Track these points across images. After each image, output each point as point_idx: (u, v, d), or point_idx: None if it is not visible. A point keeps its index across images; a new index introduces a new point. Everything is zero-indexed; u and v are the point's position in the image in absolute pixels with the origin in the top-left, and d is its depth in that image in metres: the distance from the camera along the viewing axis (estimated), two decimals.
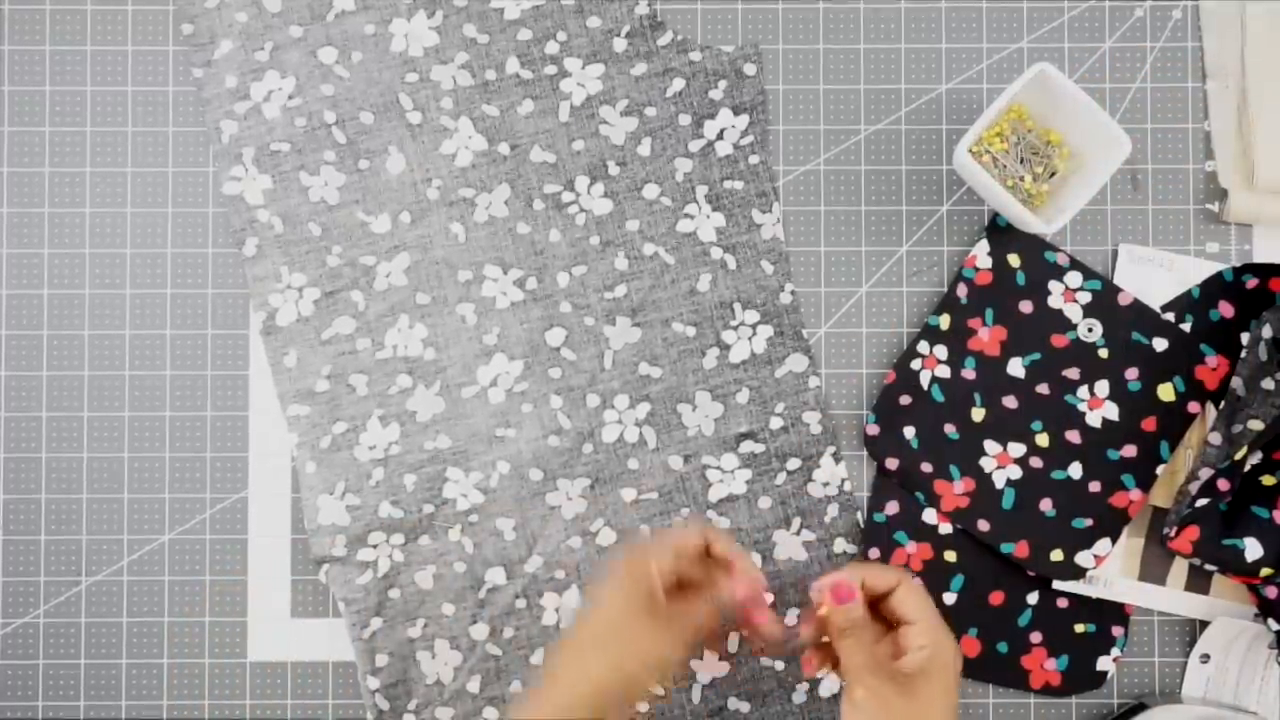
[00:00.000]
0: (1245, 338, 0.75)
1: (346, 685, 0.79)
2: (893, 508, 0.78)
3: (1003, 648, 0.78)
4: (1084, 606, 0.78)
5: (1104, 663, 0.78)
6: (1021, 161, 0.76)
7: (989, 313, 0.78)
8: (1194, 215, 0.80)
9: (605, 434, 0.78)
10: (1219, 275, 0.78)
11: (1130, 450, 0.77)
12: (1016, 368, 0.78)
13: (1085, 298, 0.78)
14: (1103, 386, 0.77)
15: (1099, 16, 0.80)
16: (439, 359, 0.78)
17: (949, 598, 0.78)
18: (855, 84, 0.80)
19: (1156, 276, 0.79)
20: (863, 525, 0.79)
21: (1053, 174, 0.77)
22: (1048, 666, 0.78)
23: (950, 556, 0.78)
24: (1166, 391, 0.77)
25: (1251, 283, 0.77)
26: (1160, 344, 0.77)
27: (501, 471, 0.78)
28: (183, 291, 0.80)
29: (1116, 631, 0.78)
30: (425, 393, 0.78)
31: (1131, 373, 0.77)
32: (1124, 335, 0.78)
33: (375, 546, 0.77)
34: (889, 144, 0.80)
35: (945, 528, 0.78)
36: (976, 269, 0.79)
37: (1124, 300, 0.78)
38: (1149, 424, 0.77)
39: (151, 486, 0.79)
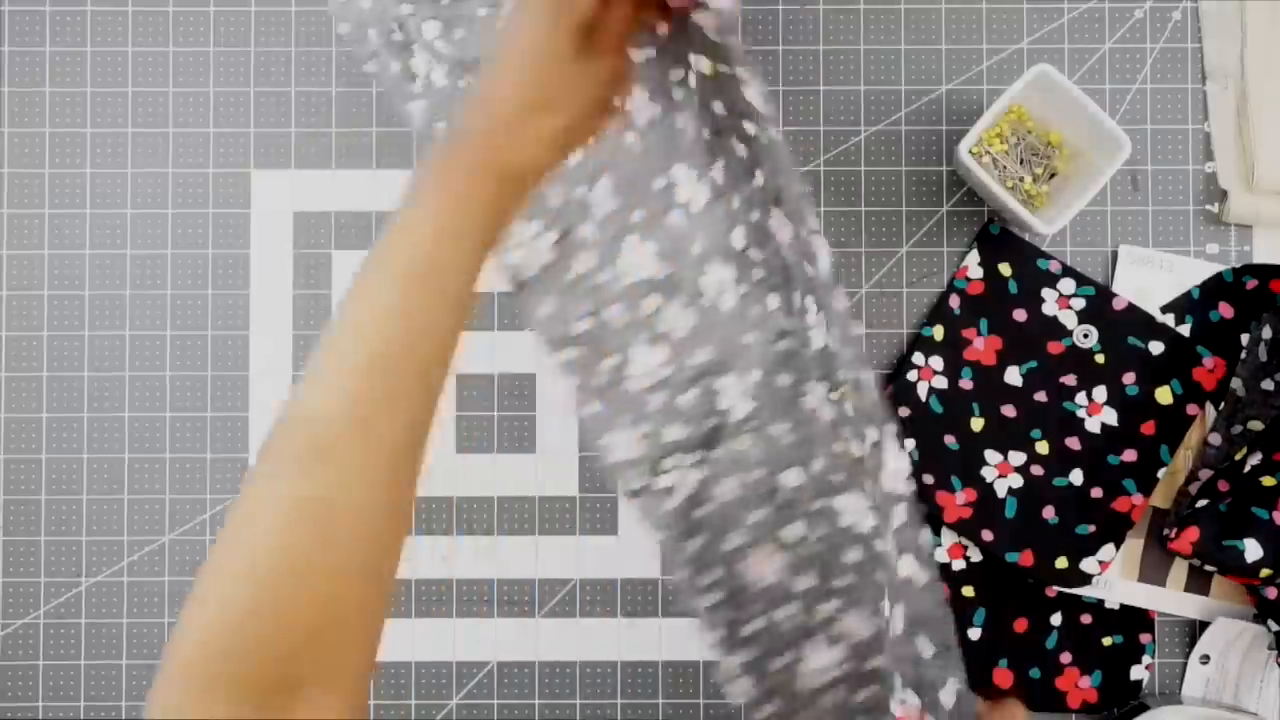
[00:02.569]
0: (1245, 339, 0.75)
1: None
2: None
3: (1035, 673, 0.77)
4: (1108, 619, 0.78)
5: (1137, 671, 0.78)
6: (1022, 162, 0.76)
7: (983, 322, 0.78)
8: (1194, 216, 0.80)
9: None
10: (1219, 276, 0.78)
11: (1130, 455, 0.77)
12: (1014, 376, 0.78)
13: (1079, 304, 0.78)
14: (1100, 392, 0.77)
15: (1099, 17, 0.80)
16: (675, 272, 0.76)
17: (974, 633, 0.77)
18: (855, 84, 0.80)
19: (1156, 277, 0.79)
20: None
21: (1053, 175, 0.77)
22: (1082, 685, 0.78)
23: (968, 591, 0.78)
24: (1164, 395, 0.77)
25: (1251, 284, 0.77)
26: (1156, 347, 0.77)
27: (756, 379, 0.76)
28: (183, 292, 0.80)
29: (1144, 639, 0.78)
30: (676, 308, 0.77)
31: (1129, 377, 0.77)
32: (1120, 340, 0.78)
33: (670, 472, 0.76)
34: (889, 144, 0.80)
35: (958, 564, 0.78)
36: (968, 279, 0.78)
37: (1118, 305, 0.78)
38: (1148, 428, 0.77)
39: (151, 487, 0.79)
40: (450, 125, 0.59)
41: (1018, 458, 0.77)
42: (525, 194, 0.59)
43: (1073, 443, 0.77)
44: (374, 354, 0.53)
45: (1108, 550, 0.76)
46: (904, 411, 0.78)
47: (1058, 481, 0.77)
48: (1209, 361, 0.77)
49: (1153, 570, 0.78)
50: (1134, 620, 0.78)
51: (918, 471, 0.77)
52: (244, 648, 0.49)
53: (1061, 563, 0.76)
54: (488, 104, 0.57)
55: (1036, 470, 0.77)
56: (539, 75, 0.57)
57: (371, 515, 0.52)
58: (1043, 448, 0.77)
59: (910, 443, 0.77)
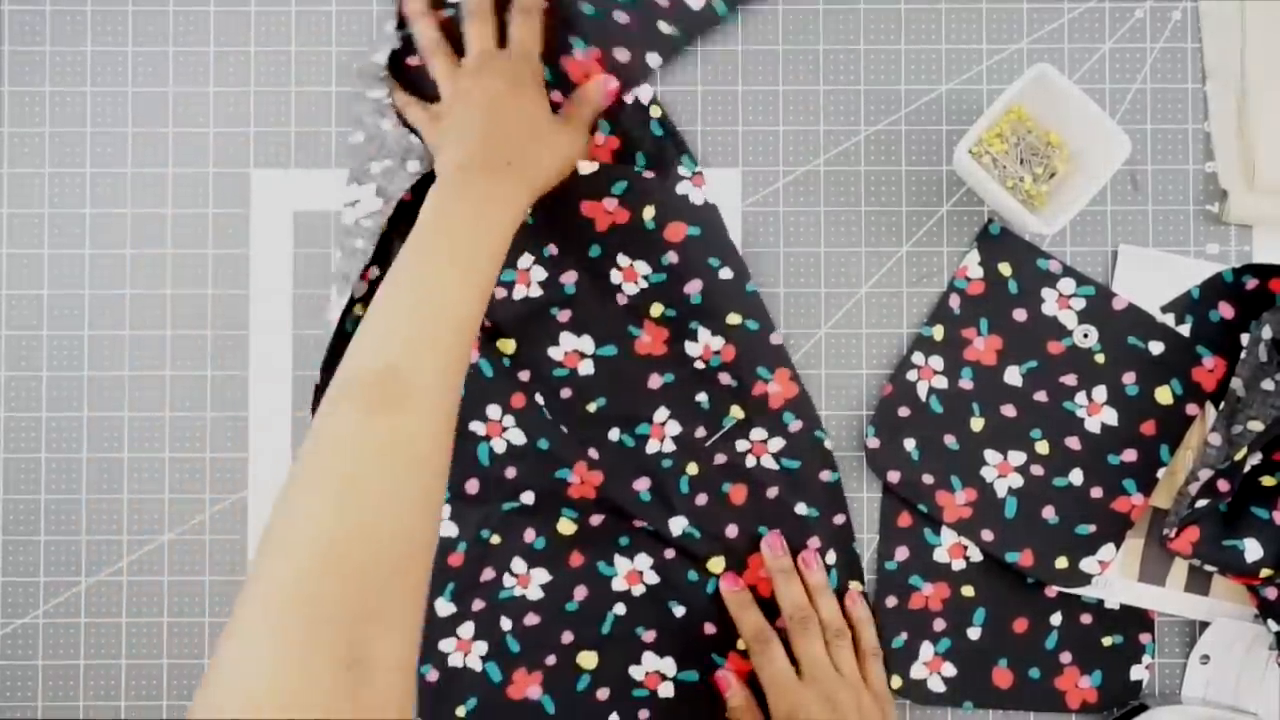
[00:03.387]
0: (1245, 339, 0.75)
1: None
2: (903, 553, 0.77)
3: (1034, 674, 0.77)
4: (1108, 619, 0.78)
5: (1137, 671, 0.77)
6: (1021, 162, 0.76)
7: (983, 322, 0.78)
8: (1194, 216, 0.80)
9: None
10: (1219, 276, 0.78)
11: (1130, 455, 0.77)
12: (1014, 376, 0.78)
13: (1079, 304, 0.78)
14: (1100, 392, 0.77)
15: (1099, 17, 0.80)
16: None
17: (973, 633, 0.77)
18: (855, 84, 0.80)
19: (1156, 277, 0.79)
20: (876, 574, 0.78)
21: (1053, 175, 0.77)
22: (1082, 685, 0.77)
23: (968, 591, 0.78)
24: (1164, 395, 0.77)
25: (1251, 283, 0.77)
26: (1156, 347, 0.77)
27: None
28: (183, 291, 0.80)
29: (1144, 639, 0.77)
30: None
31: (1129, 377, 0.77)
32: (1120, 340, 0.77)
33: None
34: (889, 144, 0.80)
35: (958, 564, 0.78)
36: (969, 279, 0.78)
37: (1118, 305, 0.78)
38: (1148, 428, 0.77)
39: (151, 487, 0.79)
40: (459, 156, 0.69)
41: (1018, 457, 0.77)
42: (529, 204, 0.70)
43: (1073, 443, 0.77)
44: (442, 311, 0.61)
45: (1107, 550, 0.76)
46: (904, 411, 0.77)
47: (1058, 481, 0.77)
48: (1209, 361, 0.77)
49: (1153, 570, 0.78)
50: (1134, 620, 0.78)
51: (918, 471, 0.77)
52: (340, 572, 0.49)
53: (1061, 562, 0.76)
54: (504, 145, 0.70)
55: (1036, 470, 0.77)
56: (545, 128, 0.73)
57: (444, 448, 0.57)
58: (1043, 448, 0.77)
59: (910, 442, 0.77)
